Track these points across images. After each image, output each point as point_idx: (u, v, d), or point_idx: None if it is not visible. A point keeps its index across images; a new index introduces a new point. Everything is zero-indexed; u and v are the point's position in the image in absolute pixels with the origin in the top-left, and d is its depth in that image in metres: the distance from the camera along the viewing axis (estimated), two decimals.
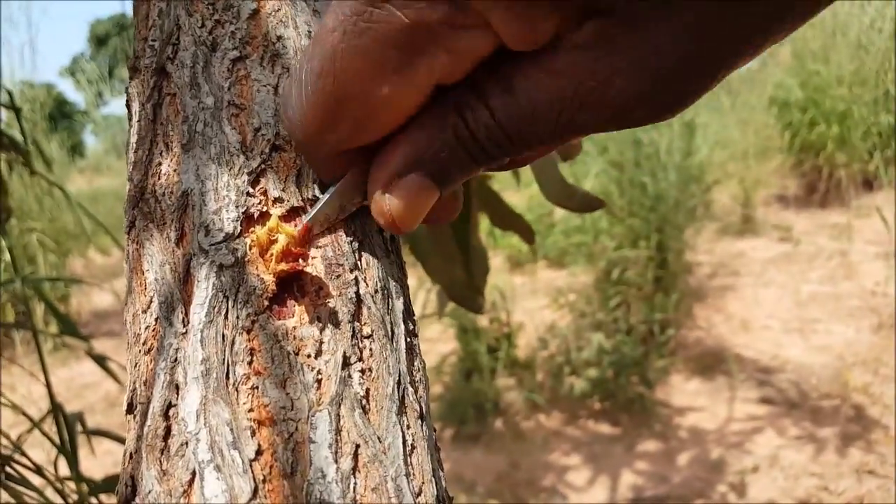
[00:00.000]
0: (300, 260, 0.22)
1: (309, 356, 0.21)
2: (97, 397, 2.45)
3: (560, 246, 2.72)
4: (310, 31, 0.28)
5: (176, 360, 0.21)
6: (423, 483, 0.20)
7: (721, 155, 3.27)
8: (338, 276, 0.23)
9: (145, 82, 0.27)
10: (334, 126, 0.22)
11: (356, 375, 0.21)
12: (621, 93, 0.19)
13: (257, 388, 0.20)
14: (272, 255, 0.22)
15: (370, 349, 0.22)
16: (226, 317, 0.21)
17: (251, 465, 0.18)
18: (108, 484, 0.75)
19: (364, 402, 0.21)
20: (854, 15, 3.49)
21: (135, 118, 0.27)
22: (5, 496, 0.66)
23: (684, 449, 1.79)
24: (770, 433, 1.81)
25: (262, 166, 0.24)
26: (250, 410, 0.19)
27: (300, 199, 0.24)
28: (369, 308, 0.23)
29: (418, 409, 0.22)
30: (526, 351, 2.28)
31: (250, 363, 0.20)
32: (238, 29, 0.27)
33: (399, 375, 0.22)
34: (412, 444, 0.21)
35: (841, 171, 3.33)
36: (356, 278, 0.23)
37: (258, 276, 0.22)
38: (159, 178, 0.25)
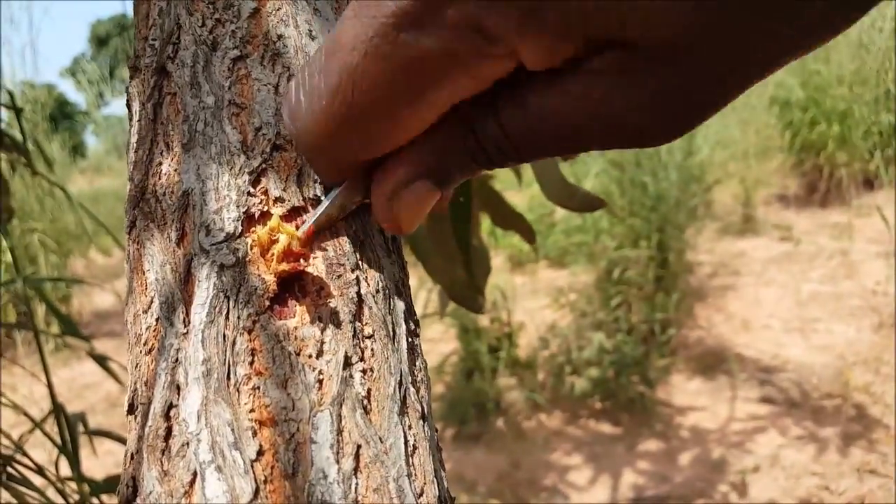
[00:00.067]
0: (301, 260, 0.22)
1: (310, 356, 0.21)
2: (98, 397, 2.45)
3: (561, 246, 2.73)
4: (310, 30, 0.28)
5: (177, 360, 0.21)
6: (424, 484, 0.20)
7: (722, 154, 3.27)
8: (339, 276, 0.23)
9: (146, 82, 0.27)
10: (345, 140, 0.22)
11: (357, 376, 0.21)
12: (636, 124, 0.20)
13: (258, 388, 0.20)
14: (273, 254, 0.22)
15: (371, 349, 0.22)
16: (227, 317, 0.21)
17: (252, 466, 0.18)
18: (110, 484, 0.76)
19: (365, 402, 0.21)
20: None
21: (135, 118, 0.27)
22: (7, 496, 0.66)
23: (685, 448, 1.79)
24: (771, 433, 1.81)
25: (263, 166, 0.24)
26: (251, 411, 0.19)
27: (301, 198, 0.24)
28: (371, 308, 0.23)
29: (420, 409, 0.22)
30: (527, 350, 2.28)
31: (251, 363, 0.20)
32: (238, 28, 0.27)
33: (400, 375, 0.22)
34: (414, 445, 0.21)
35: (842, 171, 3.33)
36: (357, 278, 0.23)
37: (259, 276, 0.22)
38: (160, 178, 0.25)
